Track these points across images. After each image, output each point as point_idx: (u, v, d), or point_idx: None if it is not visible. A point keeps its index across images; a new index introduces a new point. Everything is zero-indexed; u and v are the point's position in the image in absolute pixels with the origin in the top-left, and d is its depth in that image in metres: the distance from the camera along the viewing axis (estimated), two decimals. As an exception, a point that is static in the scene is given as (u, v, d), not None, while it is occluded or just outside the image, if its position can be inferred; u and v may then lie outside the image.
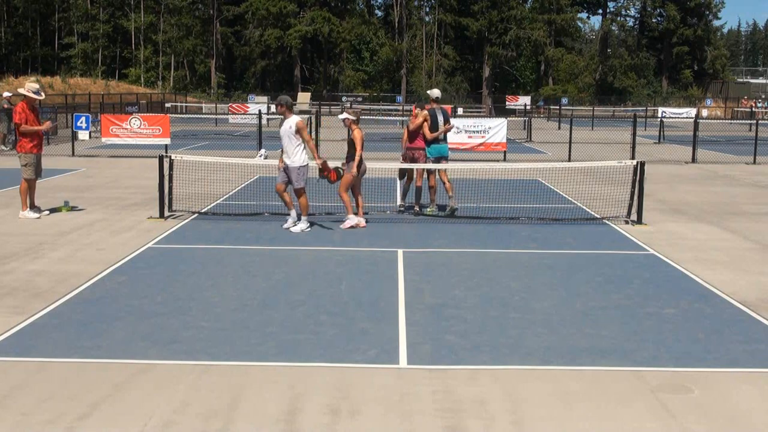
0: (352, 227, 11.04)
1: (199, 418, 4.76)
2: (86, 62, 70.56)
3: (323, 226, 11.19)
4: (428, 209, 12.41)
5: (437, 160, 12.36)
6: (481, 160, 19.64)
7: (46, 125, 12.15)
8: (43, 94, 12.33)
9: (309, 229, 10.80)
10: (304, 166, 10.76)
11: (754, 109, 53.81)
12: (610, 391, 5.27)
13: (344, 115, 11.52)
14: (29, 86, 11.96)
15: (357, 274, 8.43)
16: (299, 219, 10.88)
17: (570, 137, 22.97)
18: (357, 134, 11.11)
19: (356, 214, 11.26)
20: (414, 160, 12.26)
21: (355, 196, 11.40)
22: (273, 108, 48.52)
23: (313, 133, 24.90)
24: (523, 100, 57.61)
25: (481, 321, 6.78)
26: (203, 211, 12.29)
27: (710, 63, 76.23)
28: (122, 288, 7.74)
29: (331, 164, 11.13)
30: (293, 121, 10.63)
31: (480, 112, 58.63)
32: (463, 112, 50.81)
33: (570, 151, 22.50)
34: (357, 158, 11.04)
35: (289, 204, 10.91)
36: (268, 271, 8.53)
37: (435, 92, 12.92)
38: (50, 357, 5.77)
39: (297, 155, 10.68)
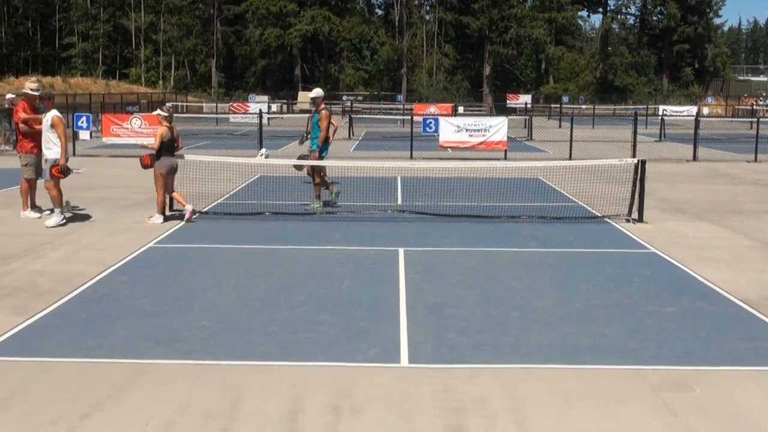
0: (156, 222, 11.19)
1: (201, 418, 4.76)
2: (87, 62, 70.55)
3: (322, 224, 11.19)
4: (316, 206, 12.39)
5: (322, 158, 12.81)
6: (481, 159, 19.63)
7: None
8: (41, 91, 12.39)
9: (64, 222, 10.94)
10: (55, 159, 10.98)
11: (754, 107, 53.75)
12: (612, 389, 5.27)
13: (157, 112, 11.71)
14: (28, 85, 12.10)
15: (358, 274, 8.43)
16: (53, 212, 11.05)
17: (571, 135, 22.95)
18: (159, 131, 11.32)
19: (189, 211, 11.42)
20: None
21: (169, 194, 11.53)
22: (274, 108, 48.54)
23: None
24: (524, 99, 57.55)
25: (482, 320, 6.78)
26: (204, 210, 12.30)
27: (711, 61, 76.17)
28: (123, 288, 7.75)
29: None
30: (50, 115, 11.00)
31: (481, 110, 58.60)
32: (464, 110, 50.80)
33: (571, 150, 22.48)
34: (153, 150, 11.34)
35: (54, 199, 11.02)
36: (269, 270, 8.53)
37: (322, 92, 13.07)
38: (52, 357, 5.77)
39: (53, 149, 10.97)
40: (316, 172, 12.52)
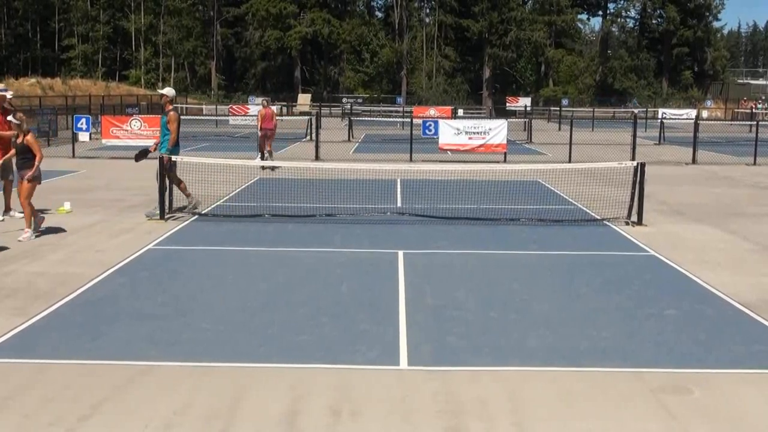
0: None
1: (200, 419, 4.76)
2: (86, 64, 70.49)
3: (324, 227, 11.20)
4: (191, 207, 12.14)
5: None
6: (481, 162, 19.64)
7: (11, 133, 12.19)
8: (10, 92, 12.29)
9: None
10: None
11: (754, 110, 53.80)
12: (611, 391, 5.27)
13: (10, 118, 10.99)
14: None
15: (357, 276, 8.43)
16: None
17: (570, 138, 22.95)
18: (29, 138, 10.45)
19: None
20: (267, 137, 18.72)
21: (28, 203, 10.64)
22: (273, 109, 48.45)
23: (313, 135, 24.89)
24: (524, 102, 57.57)
25: (482, 322, 6.78)
26: (204, 212, 12.29)
27: (710, 64, 76.12)
28: (123, 289, 7.75)
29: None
30: None
31: (480, 113, 58.60)
32: (464, 113, 50.80)
33: (570, 152, 22.47)
34: (37, 164, 10.37)
35: None
36: (268, 272, 8.53)
37: (171, 92, 12.47)
38: (51, 359, 5.77)
39: None
40: (171, 179, 11.96)
